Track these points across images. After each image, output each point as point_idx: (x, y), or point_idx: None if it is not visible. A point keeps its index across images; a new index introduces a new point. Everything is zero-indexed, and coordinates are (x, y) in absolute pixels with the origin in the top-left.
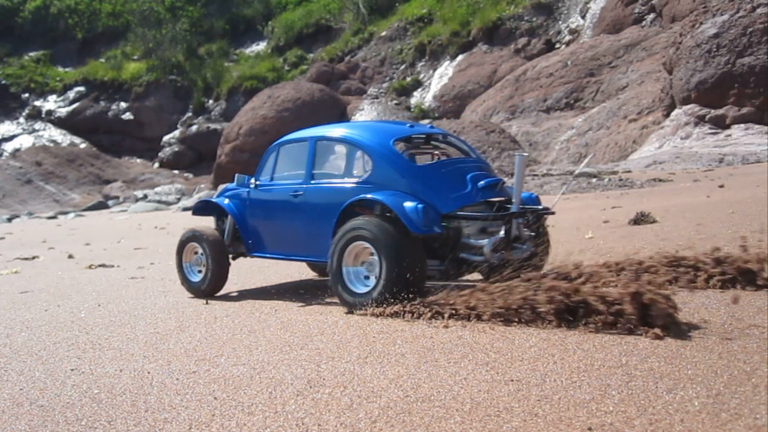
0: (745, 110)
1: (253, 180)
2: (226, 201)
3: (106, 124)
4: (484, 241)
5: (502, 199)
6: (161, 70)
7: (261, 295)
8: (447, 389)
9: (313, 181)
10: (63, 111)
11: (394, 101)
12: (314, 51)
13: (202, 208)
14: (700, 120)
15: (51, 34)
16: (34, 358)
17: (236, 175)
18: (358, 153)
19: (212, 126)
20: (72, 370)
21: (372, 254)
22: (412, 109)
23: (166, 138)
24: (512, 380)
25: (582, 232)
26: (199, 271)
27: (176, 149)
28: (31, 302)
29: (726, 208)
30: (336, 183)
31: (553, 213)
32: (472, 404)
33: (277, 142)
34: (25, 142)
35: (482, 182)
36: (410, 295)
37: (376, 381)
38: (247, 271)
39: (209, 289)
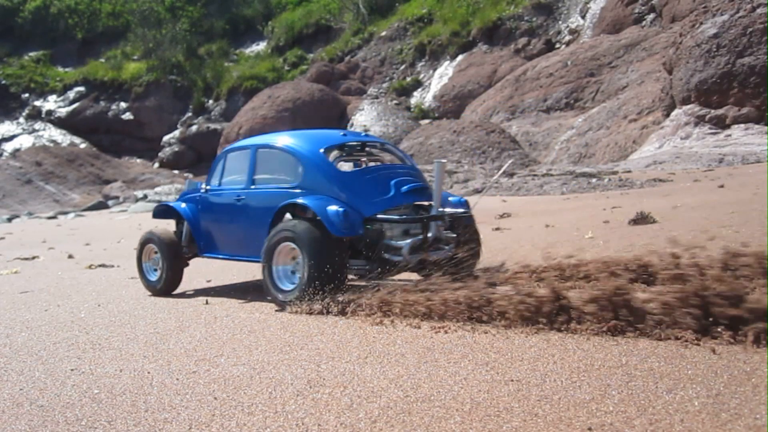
0: (745, 110)
1: (204, 185)
2: (183, 205)
3: (106, 124)
4: (403, 243)
5: (428, 203)
6: (161, 70)
7: (261, 295)
8: (447, 389)
9: (253, 186)
10: (63, 111)
11: (394, 101)
12: (314, 51)
13: (162, 211)
14: (700, 120)
15: (51, 34)
16: (34, 358)
17: (187, 180)
18: (292, 160)
19: (212, 126)
20: (72, 370)
21: (297, 254)
22: (412, 109)
23: (166, 138)
24: (512, 380)
25: (582, 232)
26: (156, 270)
27: (176, 149)
28: (31, 302)
29: (726, 208)
30: (272, 188)
31: (470, 216)
32: (472, 404)
33: (224, 149)
34: (25, 142)
35: (405, 187)
36: (331, 292)
37: (376, 381)
38: (246, 271)
39: (164, 287)
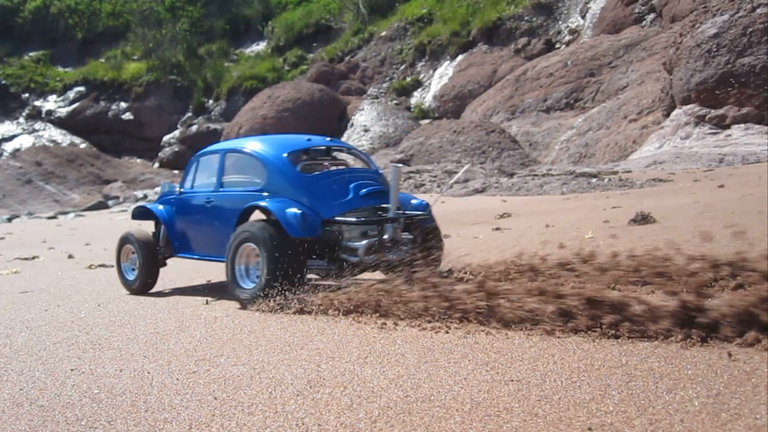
0: (745, 110)
1: (178, 188)
2: (160, 207)
3: (106, 124)
4: (358, 244)
5: (385, 205)
6: (161, 70)
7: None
8: (447, 389)
9: (221, 189)
10: (63, 111)
11: (394, 101)
12: (314, 51)
13: (141, 213)
14: (700, 120)
15: (51, 34)
16: (34, 358)
17: (162, 183)
18: (257, 164)
19: (212, 126)
20: (72, 370)
21: (258, 254)
22: (412, 109)
23: (166, 138)
24: (512, 380)
25: (582, 232)
26: (133, 270)
27: (176, 149)
28: (31, 302)
29: (726, 208)
30: (238, 191)
31: (427, 218)
32: (472, 404)
33: (196, 153)
34: (25, 142)
35: (364, 190)
36: (289, 291)
37: (376, 381)
38: None
39: (140, 286)
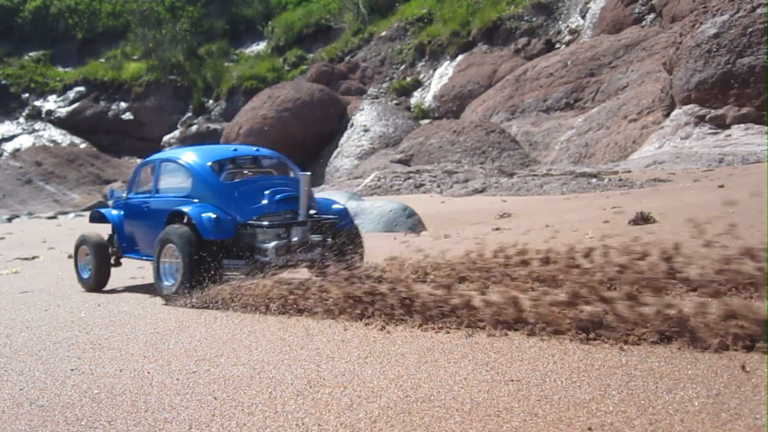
0: (745, 110)
1: (124, 193)
2: (114, 212)
3: (106, 124)
4: (268, 245)
5: (292, 211)
6: (161, 70)
7: None
8: (447, 389)
9: (156, 195)
10: (63, 111)
11: (394, 101)
12: (314, 51)
13: (98, 217)
14: (700, 120)
15: (51, 34)
16: (34, 358)
17: (108, 189)
18: (185, 172)
19: (212, 126)
20: (72, 370)
21: (177, 254)
22: (412, 109)
23: (166, 138)
24: (512, 380)
25: (582, 232)
26: (88, 269)
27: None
28: (31, 302)
29: (726, 208)
30: (168, 196)
31: (335, 222)
32: (472, 404)
33: (140, 163)
34: (25, 142)
35: (279, 196)
36: (203, 288)
37: (376, 381)
38: None
39: (94, 284)
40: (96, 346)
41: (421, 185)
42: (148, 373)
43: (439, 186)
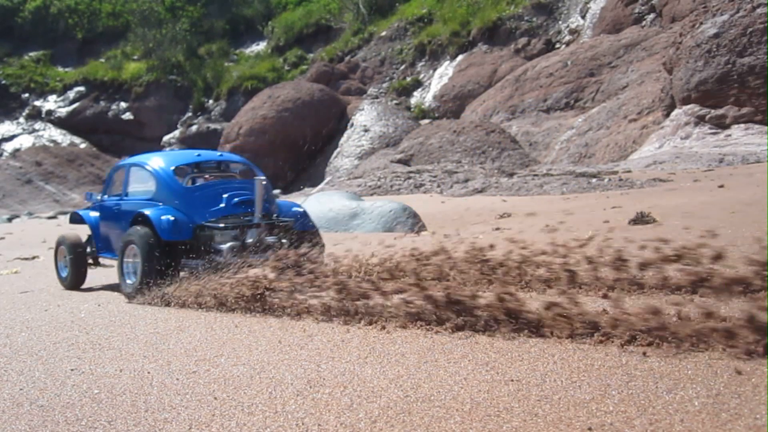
0: (745, 110)
1: (99, 196)
2: (91, 214)
3: (106, 124)
4: (223, 246)
5: (246, 213)
6: (161, 70)
7: None
8: (447, 389)
9: (125, 198)
10: (63, 111)
11: (394, 101)
12: (314, 51)
13: (76, 218)
14: (700, 120)
15: (51, 34)
16: (34, 358)
17: (86, 192)
18: (150, 176)
19: (212, 126)
20: (72, 370)
21: (138, 254)
22: (412, 109)
23: (166, 138)
24: (512, 380)
25: (581, 232)
26: (66, 268)
27: (176, 149)
28: (31, 302)
29: (726, 208)
30: (135, 199)
31: (287, 225)
32: (472, 404)
33: (113, 167)
34: (25, 142)
35: (236, 199)
36: (161, 286)
37: (376, 381)
38: None
39: (71, 282)
40: (96, 346)
41: (421, 185)
42: (148, 373)
43: (439, 186)
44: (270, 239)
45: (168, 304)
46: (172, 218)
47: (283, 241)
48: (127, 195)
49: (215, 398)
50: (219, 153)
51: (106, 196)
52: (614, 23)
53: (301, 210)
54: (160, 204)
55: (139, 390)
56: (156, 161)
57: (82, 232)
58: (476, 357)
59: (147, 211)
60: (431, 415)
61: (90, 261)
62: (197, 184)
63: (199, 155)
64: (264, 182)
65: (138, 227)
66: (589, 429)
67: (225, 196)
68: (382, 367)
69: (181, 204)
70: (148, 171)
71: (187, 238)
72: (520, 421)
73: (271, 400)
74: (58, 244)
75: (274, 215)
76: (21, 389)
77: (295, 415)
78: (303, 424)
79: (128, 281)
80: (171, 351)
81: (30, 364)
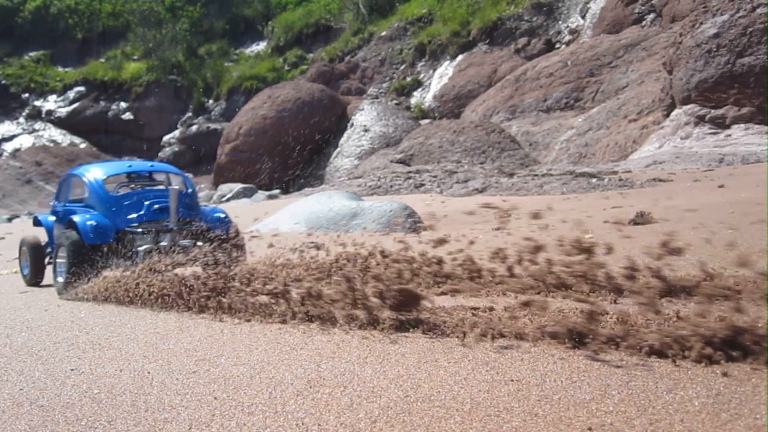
0: (745, 110)
1: (52, 202)
2: (49, 218)
3: (106, 124)
4: (139, 248)
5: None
6: (161, 70)
7: None
8: (447, 389)
9: (68, 204)
10: (63, 111)
11: (394, 101)
12: (314, 51)
13: (38, 222)
14: (700, 120)
15: (51, 34)
16: (34, 358)
17: (48, 198)
18: (84, 184)
19: (212, 126)
20: (72, 370)
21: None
22: (412, 109)
23: (166, 138)
24: (512, 380)
25: (582, 232)
26: (27, 267)
27: (176, 149)
28: (31, 302)
29: (726, 208)
30: (73, 205)
31: (201, 230)
32: (472, 404)
33: (63, 176)
34: (25, 142)
35: (156, 206)
36: (83, 283)
37: (376, 381)
38: None
39: (31, 279)
40: (96, 346)
41: (421, 185)
42: (148, 373)
43: (439, 186)
44: (185, 242)
45: (89, 300)
46: (94, 223)
47: (199, 243)
48: (69, 201)
49: (215, 398)
50: (150, 164)
51: (57, 202)
52: (614, 23)
53: (223, 215)
54: (92, 210)
55: (139, 390)
56: (91, 172)
57: (32, 233)
58: (476, 357)
59: (75, 217)
60: (431, 415)
61: (48, 260)
62: (123, 192)
63: (130, 166)
64: (178, 191)
65: (68, 231)
66: (589, 429)
67: (146, 203)
68: (382, 367)
69: (107, 210)
70: (83, 180)
71: (109, 241)
72: (520, 421)
73: (271, 400)
74: (20, 245)
75: (194, 220)
76: (21, 389)
77: (295, 415)
78: (303, 424)
79: (59, 279)
80: (171, 351)
81: (30, 364)
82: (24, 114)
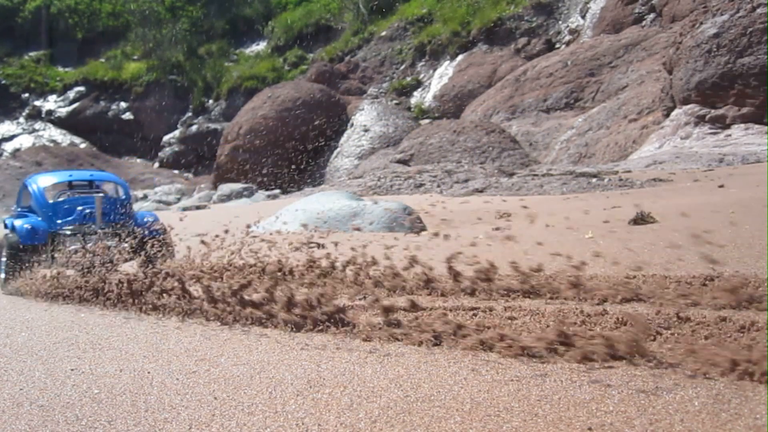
0: (745, 110)
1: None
2: (15, 222)
3: (106, 124)
4: (67, 249)
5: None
6: (161, 70)
7: None
8: (447, 389)
9: (19, 209)
10: (63, 111)
11: (394, 101)
12: (314, 51)
13: (5, 225)
14: (700, 120)
15: (51, 34)
16: (34, 358)
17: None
18: (29, 191)
19: (212, 126)
20: (72, 370)
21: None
22: (412, 109)
23: (166, 138)
24: (512, 380)
25: (581, 232)
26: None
27: (176, 149)
28: (31, 302)
29: (726, 208)
30: (22, 210)
31: (129, 232)
32: (472, 404)
33: (20, 184)
34: (25, 142)
35: (87, 211)
36: (17, 280)
37: (376, 381)
38: None
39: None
40: (96, 346)
41: (421, 185)
42: (148, 373)
43: (439, 186)
44: (111, 243)
45: (21, 295)
46: (29, 226)
47: (124, 245)
48: (21, 207)
49: (215, 398)
50: (90, 173)
51: (17, 207)
52: (614, 23)
53: (151, 219)
54: (33, 215)
55: (139, 390)
56: (36, 181)
57: None
58: (476, 357)
59: (16, 221)
60: (431, 415)
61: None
62: (62, 199)
63: (71, 175)
64: (102, 197)
65: (9, 233)
66: (589, 429)
67: (79, 209)
68: (382, 367)
69: (45, 215)
70: (28, 189)
71: (43, 243)
72: (520, 421)
73: (271, 400)
74: None
75: (124, 223)
76: (21, 389)
77: (295, 415)
78: (303, 424)
79: (1, 276)
80: (171, 351)
81: (30, 364)
82: (24, 114)
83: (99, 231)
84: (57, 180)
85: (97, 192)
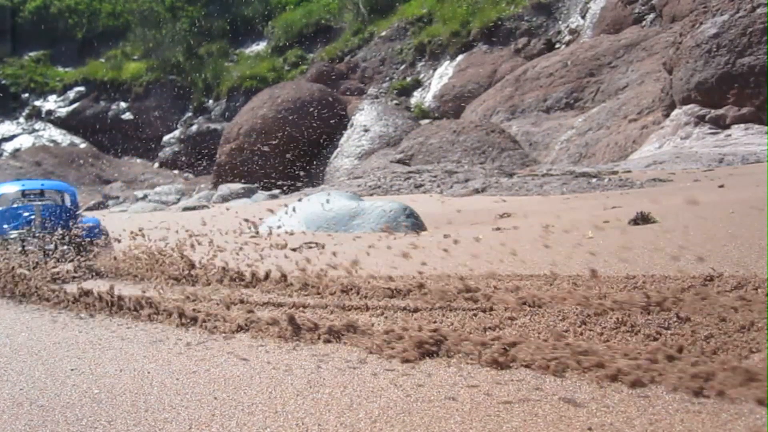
0: (745, 110)
1: None
2: None
3: (106, 124)
4: (11, 250)
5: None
6: (161, 70)
7: (260, 294)
8: (447, 389)
9: None
10: (63, 111)
11: (394, 101)
12: (314, 51)
13: None
14: (700, 120)
15: (51, 34)
16: (34, 358)
17: None
18: None
19: (212, 126)
20: (72, 370)
21: None
22: (412, 109)
23: (166, 138)
24: (512, 380)
25: (582, 232)
26: None
27: (176, 149)
28: (31, 302)
29: (726, 208)
30: None
31: (64, 238)
32: (472, 404)
33: None
34: (25, 142)
35: (31, 218)
36: None
37: (376, 381)
38: None
39: None
40: (96, 346)
41: (421, 185)
42: (148, 373)
43: (439, 186)
44: (49, 246)
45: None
46: None
47: (63, 247)
48: None
49: (215, 398)
50: (41, 182)
51: None
52: (614, 23)
53: (92, 224)
54: None
55: (139, 390)
56: None
57: None
58: (476, 358)
59: None
60: (431, 415)
61: None
62: (14, 206)
63: (23, 185)
64: (41, 206)
65: None
66: (589, 429)
67: (25, 215)
68: (382, 367)
69: None
70: None
71: None
72: (520, 421)
73: (271, 400)
74: None
75: (66, 228)
76: (21, 389)
77: (295, 415)
78: (303, 424)
79: None
80: (171, 351)
81: (30, 364)
82: (24, 114)
83: (38, 235)
84: (8, 190)
85: (49, 200)
